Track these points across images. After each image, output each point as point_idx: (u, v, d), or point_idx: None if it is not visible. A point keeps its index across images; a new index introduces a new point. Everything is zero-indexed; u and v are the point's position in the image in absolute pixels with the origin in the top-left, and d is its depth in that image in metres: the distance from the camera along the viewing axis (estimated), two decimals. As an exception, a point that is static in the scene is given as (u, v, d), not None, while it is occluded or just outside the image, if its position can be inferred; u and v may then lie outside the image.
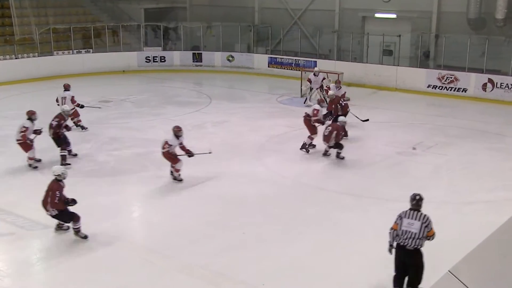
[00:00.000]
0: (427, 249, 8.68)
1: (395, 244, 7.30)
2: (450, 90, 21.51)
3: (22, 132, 12.50)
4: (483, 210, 10.19)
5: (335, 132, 12.89)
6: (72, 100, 15.48)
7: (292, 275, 8.13)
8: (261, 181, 11.92)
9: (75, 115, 15.75)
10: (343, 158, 13.26)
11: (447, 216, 10.05)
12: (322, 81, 19.21)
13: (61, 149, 12.90)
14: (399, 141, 14.99)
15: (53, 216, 9.12)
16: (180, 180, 11.91)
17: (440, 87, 21.77)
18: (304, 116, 14.02)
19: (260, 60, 27.03)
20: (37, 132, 12.73)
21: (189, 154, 11.95)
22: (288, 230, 9.65)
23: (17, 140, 12.59)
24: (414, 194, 7.38)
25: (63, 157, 12.85)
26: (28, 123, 12.65)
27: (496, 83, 20.43)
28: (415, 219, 7.15)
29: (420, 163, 13.36)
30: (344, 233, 9.53)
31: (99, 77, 24.39)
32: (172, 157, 11.80)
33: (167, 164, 12.74)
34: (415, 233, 7.04)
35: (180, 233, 9.50)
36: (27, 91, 21.56)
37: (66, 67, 24.58)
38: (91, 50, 26.04)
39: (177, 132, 11.77)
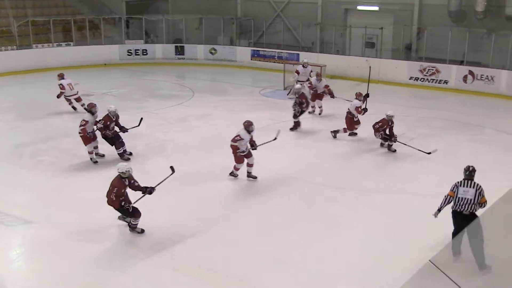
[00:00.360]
0: (407, 241, 8.78)
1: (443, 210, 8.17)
2: (432, 82, 21.67)
3: (81, 125, 12.53)
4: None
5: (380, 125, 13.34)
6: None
7: (281, 268, 8.16)
8: (246, 175, 11.90)
9: (79, 99, 17.27)
10: (394, 151, 13.51)
11: (429, 207, 10.09)
12: (310, 73, 19.18)
13: (116, 148, 12.78)
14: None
15: (116, 209, 9.13)
16: (255, 178, 11.65)
17: (422, 79, 21.91)
18: (347, 113, 14.46)
19: (243, 53, 26.98)
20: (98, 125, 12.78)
21: (254, 146, 11.64)
22: (275, 223, 9.67)
23: (79, 133, 12.65)
24: (467, 166, 8.24)
25: (121, 155, 12.76)
26: (87, 116, 12.69)
27: (477, 75, 20.61)
28: (470, 187, 7.93)
29: (403, 154, 13.43)
30: (331, 226, 9.56)
31: (80, 71, 24.11)
32: (238, 155, 11.46)
33: (151, 158, 12.69)
34: (470, 199, 7.80)
35: (166, 227, 9.45)
36: (6, 85, 21.33)
37: (46, 60, 24.33)
38: (71, 43, 25.76)
39: (248, 126, 11.37)
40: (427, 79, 21.79)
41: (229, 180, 11.60)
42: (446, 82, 21.33)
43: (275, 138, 12.03)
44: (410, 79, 22.18)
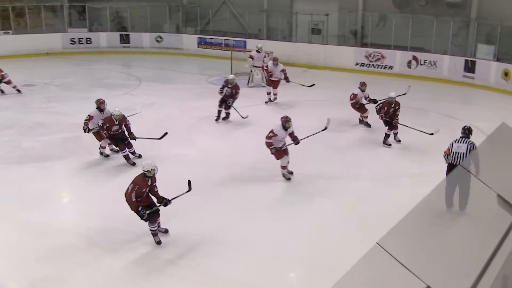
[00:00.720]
0: (357, 224, 8.93)
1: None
2: (377, 68, 22.06)
3: (85, 120, 11.86)
4: (411, 183, 10.52)
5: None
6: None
7: (231, 253, 8.16)
8: (195, 163, 11.83)
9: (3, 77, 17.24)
10: (399, 141, 13.31)
11: (378, 191, 10.34)
12: (264, 58, 19.19)
13: (120, 150, 11.87)
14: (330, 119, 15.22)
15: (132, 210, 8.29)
16: (289, 179, 10.91)
17: (368, 65, 22.28)
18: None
19: (189, 40, 26.77)
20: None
21: (296, 141, 10.96)
22: (227, 212, 9.66)
23: (82, 127, 11.96)
24: (465, 125, 9.59)
25: (126, 158, 11.83)
26: (94, 112, 11.98)
27: (420, 60, 21.10)
28: (463, 143, 9.07)
29: (350, 139, 13.66)
30: (283, 212, 9.63)
31: (20, 60, 23.44)
32: (275, 151, 10.78)
33: (97, 148, 12.46)
34: (463, 153, 8.92)
35: (112, 219, 9.30)
36: None
37: (-16, 49, 23.52)
38: (10, 31, 24.95)
39: (285, 123, 10.66)
40: (373, 64, 22.16)
41: (178, 167, 11.47)
42: (391, 67, 21.76)
43: (326, 128, 11.83)
44: (356, 65, 22.51)
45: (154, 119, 15.30)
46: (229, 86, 14.75)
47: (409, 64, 21.33)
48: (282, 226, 9.03)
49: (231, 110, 14.94)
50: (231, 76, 15.21)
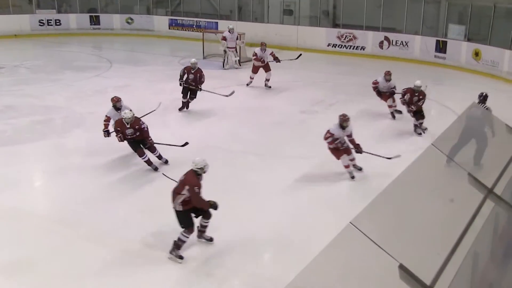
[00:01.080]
0: (327, 204, 8.99)
1: None
2: (349, 49, 22.13)
3: (104, 121, 10.92)
4: (382, 162, 10.62)
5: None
6: None
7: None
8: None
9: None
10: (420, 134, 12.40)
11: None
12: (236, 40, 19.07)
13: (139, 156, 10.39)
14: (302, 100, 15.29)
15: (176, 212, 7.51)
16: (352, 177, 10.08)
17: (340, 46, 22.33)
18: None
19: (160, 22, 26.49)
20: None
21: (358, 150, 10.06)
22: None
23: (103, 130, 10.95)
24: (481, 92, 10.58)
25: (148, 163, 10.45)
26: (110, 112, 10.91)
27: (392, 40, 21.21)
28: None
29: (322, 120, 13.64)
30: (251, 192, 9.63)
31: (-13, 42, 22.99)
32: (333, 151, 10.03)
33: (71, 131, 12.32)
34: None
35: (84, 202, 9.22)
36: None
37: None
38: (-23, 13, 24.41)
39: (343, 121, 9.86)
40: (345, 45, 22.22)
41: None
42: (363, 48, 21.84)
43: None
44: (328, 45, 22.54)
45: (126, 101, 15.11)
46: (192, 71, 13.84)
47: (381, 44, 21.43)
48: (251, 207, 9.03)
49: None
50: (193, 60, 14.04)
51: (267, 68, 16.48)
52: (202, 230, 7.83)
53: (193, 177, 7.45)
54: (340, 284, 5.70)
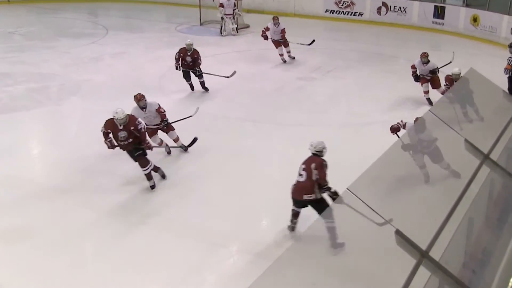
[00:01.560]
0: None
1: None
2: (347, 15, 21.89)
3: None
4: (380, 130, 10.60)
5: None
6: None
7: (198, 203, 8.22)
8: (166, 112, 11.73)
9: None
10: None
11: (347, 138, 10.42)
12: (234, 7, 18.83)
13: (141, 167, 8.55)
14: (299, 67, 15.21)
15: (302, 206, 7.13)
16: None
17: (338, 12, 22.08)
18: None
19: (157, -13, 26.13)
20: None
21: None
22: (193, 159, 9.68)
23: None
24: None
25: (148, 177, 8.62)
26: (135, 111, 9.17)
27: (390, 6, 20.99)
28: None
29: (320, 87, 13.67)
30: (249, 159, 9.64)
31: (-19, 9, 22.72)
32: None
33: (67, 98, 12.28)
34: None
35: (81, 169, 9.25)
36: None
37: None
38: (-32, -21, 24.03)
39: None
40: (343, 11, 21.98)
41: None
42: (361, 14, 21.62)
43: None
44: (326, 12, 22.31)
45: (123, 69, 15.07)
46: (188, 54, 12.57)
47: (379, 10, 21.21)
48: (249, 175, 9.06)
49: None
50: (188, 41, 12.76)
51: (277, 44, 15.38)
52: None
53: (318, 160, 7.10)
54: (337, 250, 5.78)
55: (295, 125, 11.11)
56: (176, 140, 9.82)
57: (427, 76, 12.02)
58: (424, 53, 11.92)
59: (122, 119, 8.29)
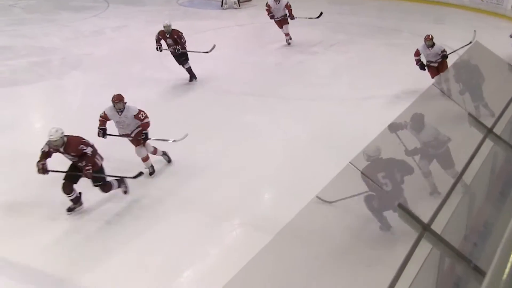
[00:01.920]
0: (327, 144, 8.97)
1: None
2: (350, -12, 21.64)
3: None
4: (382, 104, 10.59)
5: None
6: None
7: (201, 177, 8.22)
8: (167, 86, 11.71)
9: None
10: None
11: (349, 112, 10.38)
12: None
13: (103, 192, 7.53)
14: (302, 41, 15.09)
15: None
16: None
17: (341, -15, 21.82)
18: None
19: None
20: None
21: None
22: (196, 134, 9.64)
23: None
24: None
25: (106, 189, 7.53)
26: (109, 111, 8.11)
27: (394, -21, 20.75)
28: None
29: (322, 61, 13.59)
30: (252, 133, 9.63)
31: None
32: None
33: (68, 72, 12.23)
34: None
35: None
36: None
37: None
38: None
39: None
40: (346, -16, 21.71)
41: (150, 91, 11.29)
42: (364, -13, 21.37)
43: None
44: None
45: (124, 42, 14.99)
46: (168, 36, 11.72)
47: (382, -17, 20.95)
48: (258, 149, 9.03)
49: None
50: (166, 23, 11.82)
51: (281, 24, 14.50)
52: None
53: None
54: (341, 221, 5.79)
55: (298, 99, 11.06)
56: (144, 159, 8.38)
57: (434, 64, 10.64)
58: (428, 35, 10.57)
59: (55, 140, 7.00)
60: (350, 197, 5.02)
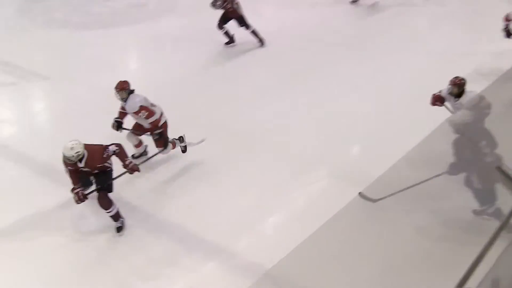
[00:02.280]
0: (418, 98, 8.36)
1: None
2: None
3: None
4: (484, 61, 9.89)
5: None
6: None
7: (286, 124, 8.30)
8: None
9: None
10: None
11: (437, 66, 9.72)
12: None
13: (105, 210, 6.22)
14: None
15: None
16: None
17: None
18: None
19: None
20: None
21: None
22: (283, 83, 9.58)
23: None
24: None
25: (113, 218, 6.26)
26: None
27: None
28: None
29: (420, 13, 12.93)
30: (339, 84, 9.46)
31: None
32: None
33: (162, 16, 12.33)
34: None
35: (175, 83, 9.46)
36: None
37: None
38: None
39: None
40: None
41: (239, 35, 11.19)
42: None
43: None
44: None
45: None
46: None
47: None
48: (343, 101, 8.90)
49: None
50: None
51: None
52: None
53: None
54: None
55: (390, 53, 10.55)
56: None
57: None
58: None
59: (71, 155, 5.76)
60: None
